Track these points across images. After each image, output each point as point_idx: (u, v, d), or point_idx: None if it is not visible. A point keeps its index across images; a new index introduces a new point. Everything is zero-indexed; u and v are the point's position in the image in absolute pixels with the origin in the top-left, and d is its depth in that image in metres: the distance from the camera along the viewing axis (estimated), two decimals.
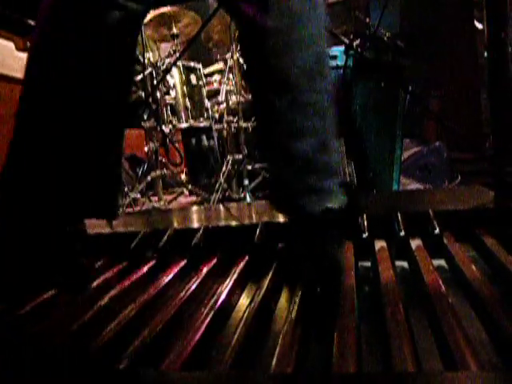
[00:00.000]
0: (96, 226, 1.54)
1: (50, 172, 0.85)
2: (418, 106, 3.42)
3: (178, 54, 2.97)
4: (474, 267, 0.85)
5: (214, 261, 1.09)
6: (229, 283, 0.90)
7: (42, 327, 0.80)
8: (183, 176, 3.33)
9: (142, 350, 0.67)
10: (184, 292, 0.89)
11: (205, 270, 1.02)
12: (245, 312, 0.74)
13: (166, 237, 1.21)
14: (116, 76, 0.87)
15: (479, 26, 4.57)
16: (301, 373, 0.53)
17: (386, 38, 1.92)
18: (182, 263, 1.10)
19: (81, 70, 0.82)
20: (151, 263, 1.13)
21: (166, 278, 1.00)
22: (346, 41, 1.75)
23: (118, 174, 1.00)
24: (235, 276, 0.95)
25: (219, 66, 3.59)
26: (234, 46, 2.81)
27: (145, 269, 1.10)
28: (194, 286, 0.93)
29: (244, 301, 0.87)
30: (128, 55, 0.91)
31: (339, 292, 0.74)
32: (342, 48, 1.85)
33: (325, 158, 0.82)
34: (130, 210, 2.69)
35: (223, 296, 0.83)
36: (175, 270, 1.06)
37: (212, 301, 0.81)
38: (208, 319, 0.73)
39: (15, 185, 0.83)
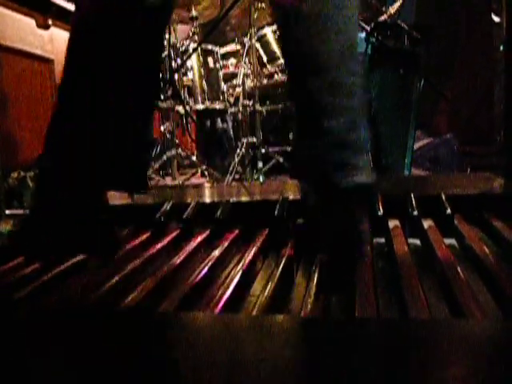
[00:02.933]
0: (117, 198, 1.62)
1: (91, 137, 0.92)
2: (432, 93, 3.43)
3: (197, 38, 3.02)
4: (483, 245, 0.92)
5: (236, 232, 1.16)
6: (253, 249, 0.97)
7: (74, 288, 0.87)
8: (194, 157, 3.39)
9: (177, 303, 0.75)
10: (210, 257, 0.96)
11: (228, 240, 1.09)
12: (271, 272, 0.81)
13: (189, 209, 1.28)
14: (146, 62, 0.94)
15: (496, 19, 4.56)
16: (327, 317, 0.60)
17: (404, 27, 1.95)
18: (206, 234, 1.17)
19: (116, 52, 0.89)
20: (176, 233, 1.20)
21: (193, 245, 1.07)
22: (368, 28, 1.80)
23: (147, 146, 1.05)
24: (258, 244, 1.02)
25: (234, 47, 3.62)
26: (252, 30, 2.85)
27: (170, 237, 1.17)
28: (218, 253, 1.00)
29: (268, 263, 0.94)
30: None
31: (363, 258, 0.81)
32: (361, 34, 1.89)
33: (356, 136, 0.87)
34: None
35: (248, 259, 0.90)
36: (200, 239, 1.13)
37: (239, 265, 0.88)
38: (237, 278, 0.80)
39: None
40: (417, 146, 3.26)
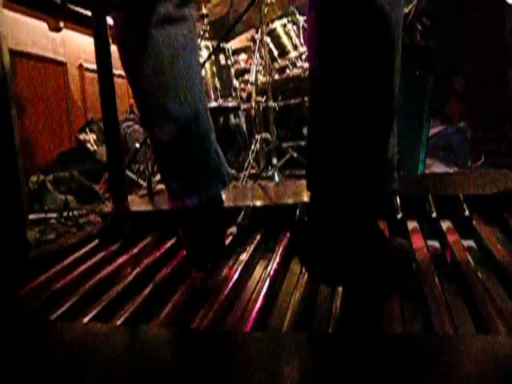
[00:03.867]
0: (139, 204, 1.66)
1: None
2: (444, 86, 3.42)
3: (207, 36, 3.04)
4: (501, 247, 0.94)
5: (258, 237, 1.19)
6: (276, 257, 1.01)
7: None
8: None
9: (211, 316, 0.78)
10: (236, 265, 1.00)
11: (252, 246, 1.12)
12: (296, 285, 0.84)
13: None
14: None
15: (510, 1, 4.48)
16: (357, 333, 0.63)
17: (418, 23, 1.95)
18: (228, 239, 1.20)
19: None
20: None
21: None
22: None
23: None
24: (280, 251, 1.05)
25: (244, 41, 3.62)
26: (263, 26, 2.85)
27: None
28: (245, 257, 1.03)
29: (292, 274, 0.97)
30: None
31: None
32: None
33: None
34: (162, 186, 2.80)
35: (274, 267, 0.93)
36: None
37: (265, 272, 0.92)
38: (265, 287, 0.84)
39: None
40: (430, 133, 3.25)
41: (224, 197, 1.03)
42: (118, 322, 0.78)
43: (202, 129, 0.96)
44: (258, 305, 0.78)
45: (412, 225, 1.13)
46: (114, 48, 1.73)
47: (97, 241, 1.31)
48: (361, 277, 0.76)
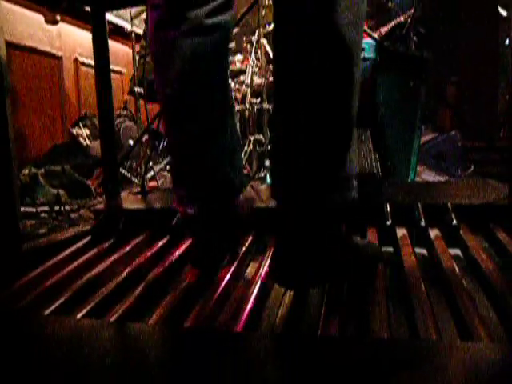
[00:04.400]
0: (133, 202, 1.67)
1: None
2: (435, 96, 3.47)
3: None
4: (486, 257, 0.97)
5: (250, 239, 1.21)
6: (267, 258, 1.02)
7: None
8: None
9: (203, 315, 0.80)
10: (228, 266, 1.01)
11: (243, 247, 1.14)
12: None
13: None
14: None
15: (504, 13, 4.54)
16: (345, 337, 0.65)
17: (413, 33, 1.98)
18: None
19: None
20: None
21: None
22: (377, 37, 1.83)
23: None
24: (271, 253, 1.07)
25: (241, 44, 3.63)
26: (260, 28, 2.87)
27: (185, 244, 1.21)
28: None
29: None
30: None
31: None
32: (369, 41, 1.93)
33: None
34: (154, 183, 2.81)
35: (265, 269, 0.95)
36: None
37: (256, 274, 0.94)
38: (256, 289, 0.85)
39: None
40: (421, 141, 3.30)
41: None
42: (111, 320, 0.79)
43: (218, 143, 0.96)
44: (249, 306, 0.80)
45: (401, 232, 1.16)
46: (111, 43, 1.75)
47: (89, 237, 1.32)
48: (320, 277, 0.80)
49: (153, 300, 0.89)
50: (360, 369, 0.53)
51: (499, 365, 0.53)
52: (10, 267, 1.10)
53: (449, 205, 1.20)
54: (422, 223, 1.16)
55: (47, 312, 0.83)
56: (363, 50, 1.88)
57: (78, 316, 0.80)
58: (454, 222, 1.14)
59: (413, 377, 0.50)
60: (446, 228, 1.15)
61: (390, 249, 1.13)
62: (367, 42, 1.92)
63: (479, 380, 0.49)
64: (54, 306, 0.85)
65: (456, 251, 1.08)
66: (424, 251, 1.11)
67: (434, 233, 1.13)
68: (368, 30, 1.86)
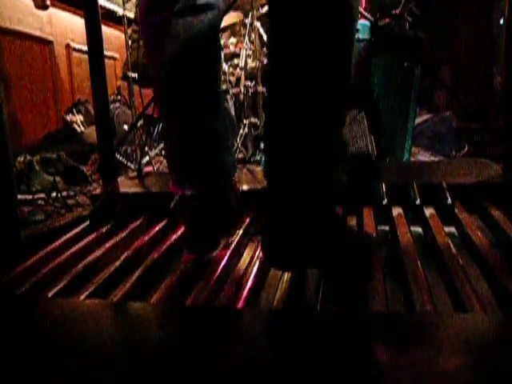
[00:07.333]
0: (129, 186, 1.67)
1: None
2: (430, 77, 3.46)
3: None
4: (480, 234, 0.99)
5: (247, 220, 1.22)
6: None
7: None
8: None
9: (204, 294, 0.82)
10: (226, 247, 1.03)
11: (241, 229, 1.15)
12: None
13: None
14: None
15: None
16: (343, 310, 0.67)
17: (408, 14, 1.98)
18: None
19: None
20: None
21: None
22: (372, 19, 1.82)
23: None
24: None
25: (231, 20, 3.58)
26: (254, 11, 2.84)
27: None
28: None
29: None
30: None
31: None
32: (363, 22, 1.92)
33: None
34: (149, 168, 2.81)
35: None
36: None
37: (254, 254, 0.95)
38: (255, 268, 0.87)
39: None
40: (416, 121, 3.30)
41: None
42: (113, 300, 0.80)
43: (211, 124, 0.96)
44: (249, 284, 0.81)
45: (396, 211, 1.17)
46: (103, 28, 1.73)
47: (88, 222, 1.33)
48: (312, 261, 0.79)
49: (153, 282, 0.91)
50: (356, 340, 0.55)
51: (491, 334, 0.55)
52: (9, 254, 1.11)
53: (443, 184, 1.22)
54: (418, 202, 1.17)
55: (50, 294, 0.84)
56: (357, 31, 1.87)
57: (81, 298, 0.82)
58: (449, 200, 1.16)
59: (408, 347, 0.52)
60: (441, 206, 1.17)
61: (386, 227, 1.14)
62: (362, 23, 1.91)
63: (472, 348, 0.51)
64: (55, 290, 0.86)
65: (451, 229, 1.10)
66: (419, 229, 1.12)
67: (429, 211, 1.15)
68: (362, 11, 1.86)
